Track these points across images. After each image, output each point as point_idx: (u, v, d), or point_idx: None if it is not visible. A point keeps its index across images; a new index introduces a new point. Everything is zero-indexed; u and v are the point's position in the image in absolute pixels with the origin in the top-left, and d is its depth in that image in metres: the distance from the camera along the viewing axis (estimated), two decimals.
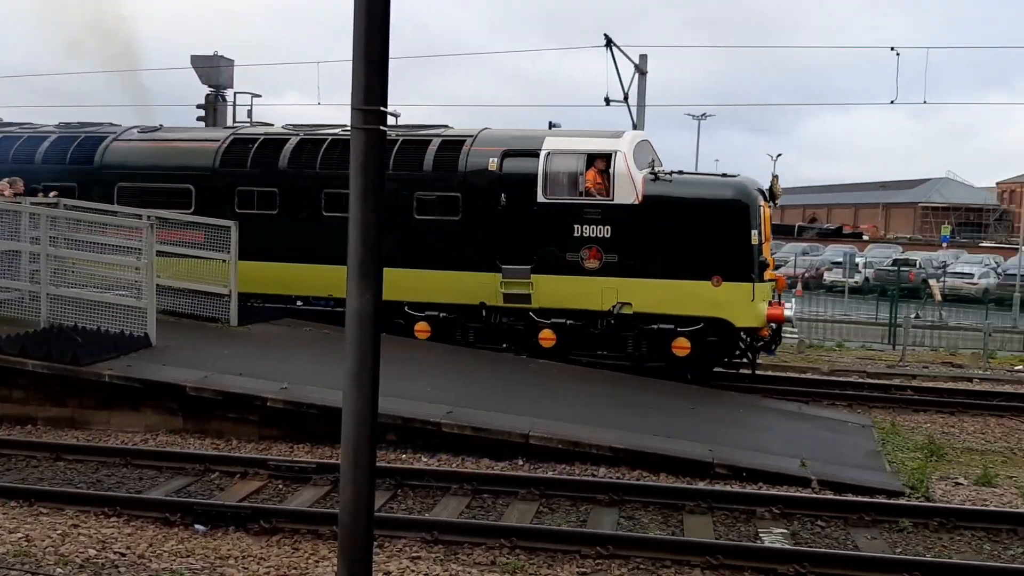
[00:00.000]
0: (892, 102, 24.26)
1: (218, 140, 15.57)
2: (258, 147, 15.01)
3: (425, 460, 9.40)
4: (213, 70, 29.05)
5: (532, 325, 13.76)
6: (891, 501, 8.29)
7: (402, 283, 13.80)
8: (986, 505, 8.47)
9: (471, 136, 14.44)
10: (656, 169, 13.65)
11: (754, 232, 13.24)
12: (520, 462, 9.35)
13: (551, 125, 14.92)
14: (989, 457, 10.60)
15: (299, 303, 14.77)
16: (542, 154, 13.76)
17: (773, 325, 13.51)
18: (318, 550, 6.91)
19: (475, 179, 13.94)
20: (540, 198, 13.66)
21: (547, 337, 13.65)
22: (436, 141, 14.35)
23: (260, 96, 29.29)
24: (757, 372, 14.23)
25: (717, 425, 10.82)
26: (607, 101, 20.69)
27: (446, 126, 15.07)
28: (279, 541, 7.11)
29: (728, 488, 8.58)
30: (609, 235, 13.48)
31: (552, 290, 13.69)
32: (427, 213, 14.15)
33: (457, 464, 9.29)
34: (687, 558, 6.79)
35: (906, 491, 8.76)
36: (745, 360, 13.95)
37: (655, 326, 13.38)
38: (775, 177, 14.40)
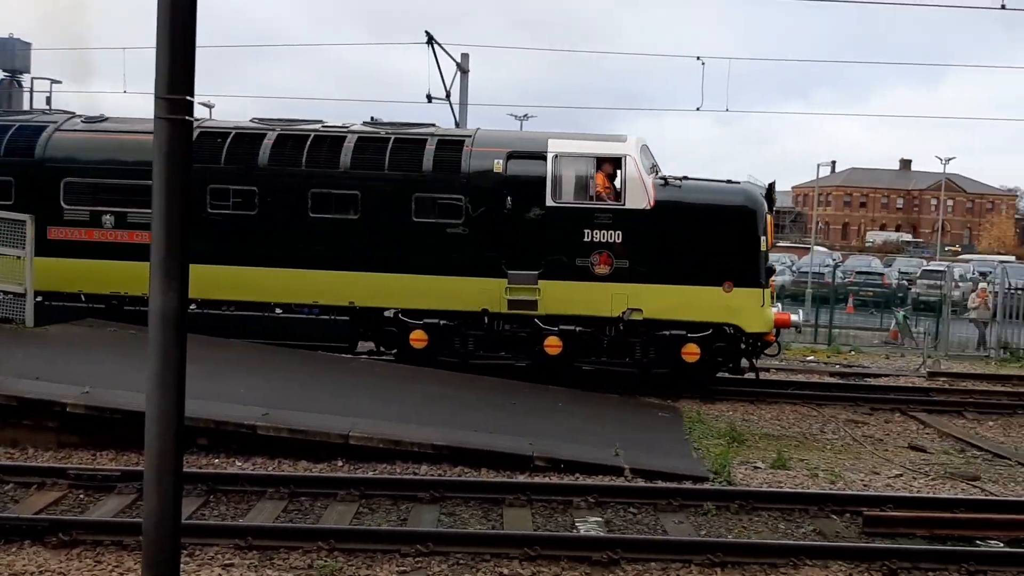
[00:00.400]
0: (698, 109, 25.77)
1: None
2: (231, 142, 13.91)
3: (239, 464, 9.09)
4: (6, 53, 27.00)
5: (537, 332, 13.42)
6: (696, 486, 8.74)
7: (397, 289, 13.46)
8: (781, 487, 9.08)
9: (469, 136, 14.07)
10: (663, 174, 13.69)
11: (762, 238, 13.44)
12: (340, 463, 9.20)
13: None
14: (784, 442, 11.39)
15: (278, 311, 13.81)
16: (549, 156, 13.49)
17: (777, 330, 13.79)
18: (123, 562, 6.54)
19: (479, 181, 13.46)
20: (549, 201, 13.39)
21: (553, 344, 13.33)
22: (434, 140, 13.82)
23: (60, 82, 27.44)
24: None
25: (539, 419, 11.06)
26: (429, 98, 20.77)
27: (433, 124, 14.55)
28: (80, 554, 6.67)
29: (547, 480, 8.79)
30: (620, 240, 13.33)
31: (560, 296, 13.42)
32: (426, 216, 13.53)
33: (273, 467, 9.04)
34: (506, 551, 6.90)
35: (710, 476, 9.26)
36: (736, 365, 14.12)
37: (666, 332, 13.32)
38: (772, 183, 14.38)
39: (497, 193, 13.40)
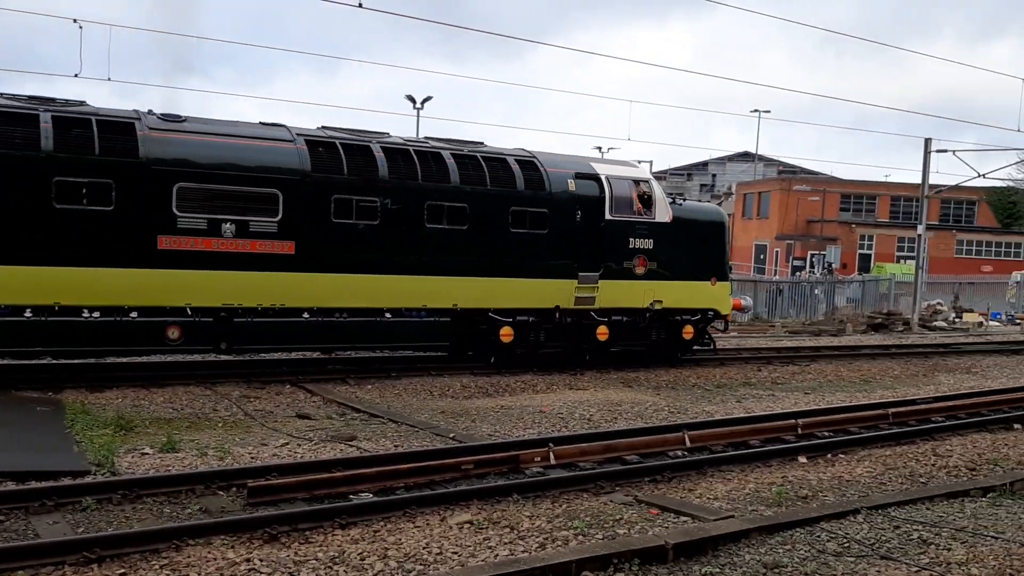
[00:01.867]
0: (76, 75, 23.93)
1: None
2: (353, 154, 14.51)
3: None
4: None
5: (593, 323, 16.59)
6: (76, 482, 8.13)
7: (493, 291, 15.55)
8: (169, 470, 8.91)
9: (534, 157, 16.43)
10: (671, 194, 18.47)
11: (728, 244, 18.86)
12: None
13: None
14: (175, 424, 11.21)
15: (387, 315, 14.76)
16: (603, 178, 16.77)
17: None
18: None
19: (560, 197, 16.19)
20: (607, 216, 16.66)
21: (603, 332, 16.62)
22: (513, 160, 16.03)
23: None
24: None
25: None
26: None
27: (481, 143, 16.50)
28: None
29: None
30: (651, 247, 17.12)
31: (610, 293, 16.73)
32: (519, 227, 15.77)
33: None
34: None
35: (92, 469, 8.71)
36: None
37: (677, 317, 17.70)
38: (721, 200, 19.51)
39: (570, 208, 16.30)
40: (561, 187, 16.30)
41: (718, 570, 6.83)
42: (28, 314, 12.37)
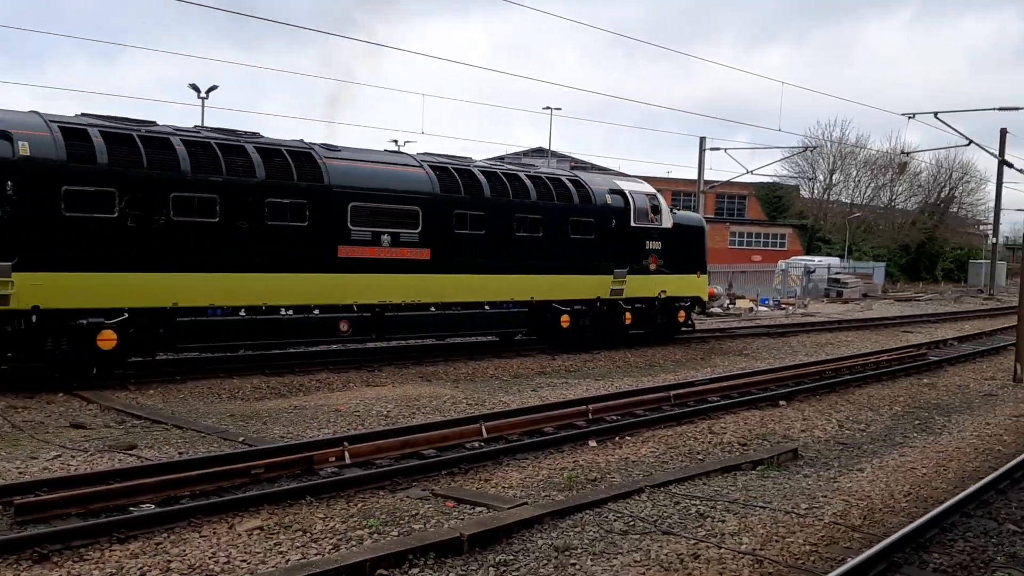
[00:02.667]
0: None
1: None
2: (465, 176, 18.16)
3: None
4: None
5: (621, 311, 20.96)
6: None
7: (557, 286, 19.56)
8: None
9: (579, 177, 20.82)
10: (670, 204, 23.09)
11: (706, 244, 23.66)
12: None
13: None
14: None
15: (486, 307, 18.42)
16: (627, 193, 21.13)
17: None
18: None
19: (601, 210, 20.39)
20: (632, 224, 21.01)
21: (628, 317, 21.02)
22: (567, 180, 20.28)
23: None
24: None
25: None
26: None
27: (534, 166, 22.99)
28: None
29: None
30: (660, 248, 21.54)
31: (633, 285, 20.92)
32: (575, 233, 19.92)
33: None
34: None
35: None
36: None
37: (676, 304, 22.30)
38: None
39: (608, 218, 20.49)
40: (601, 201, 20.64)
41: (512, 557, 6.98)
42: (242, 313, 14.91)
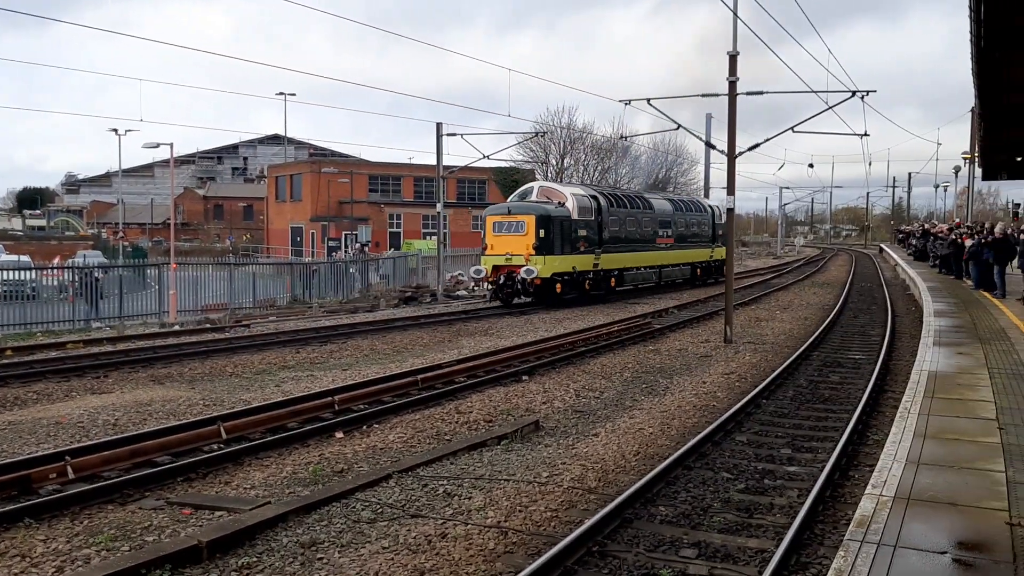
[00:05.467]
0: None
1: None
2: (680, 204, 39.50)
3: None
4: None
5: (710, 266, 40.88)
6: None
7: (694, 254, 38.93)
8: None
9: (694, 198, 46.05)
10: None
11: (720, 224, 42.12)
12: None
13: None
14: None
15: (681, 266, 38.62)
16: (711, 204, 42.90)
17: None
18: None
19: (707, 214, 41.09)
20: (715, 221, 41.31)
21: (710, 270, 40.93)
22: (692, 201, 42.29)
23: None
24: None
25: None
26: None
27: (673, 195, 46.37)
28: None
29: None
30: (716, 232, 41.32)
31: (715, 254, 40.90)
32: (698, 226, 39.74)
33: None
34: None
35: None
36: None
37: (714, 263, 41.11)
38: None
39: (708, 218, 40.90)
40: (707, 210, 41.18)
41: (255, 559, 6.75)
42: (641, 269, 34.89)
